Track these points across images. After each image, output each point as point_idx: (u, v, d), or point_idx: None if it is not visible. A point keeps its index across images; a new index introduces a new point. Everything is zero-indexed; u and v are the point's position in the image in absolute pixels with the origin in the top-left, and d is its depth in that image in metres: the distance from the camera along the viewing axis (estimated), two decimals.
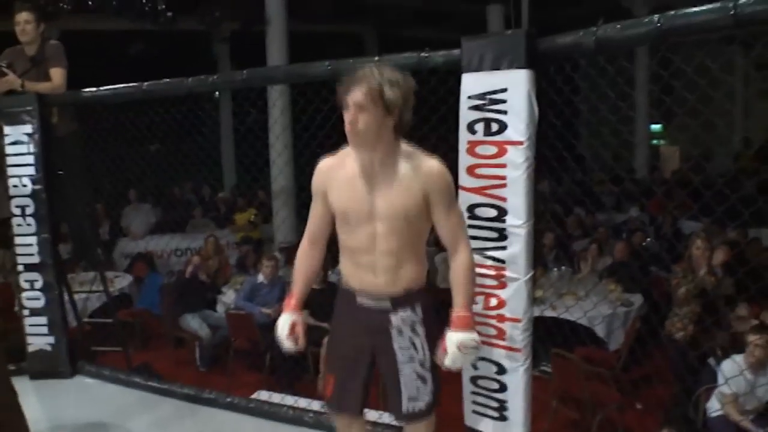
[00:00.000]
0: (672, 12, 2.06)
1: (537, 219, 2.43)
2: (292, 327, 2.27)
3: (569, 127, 3.18)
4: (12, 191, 4.02)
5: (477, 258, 2.37)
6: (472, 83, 2.42)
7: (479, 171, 2.41)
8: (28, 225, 4.02)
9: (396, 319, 2.19)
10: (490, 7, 11.36)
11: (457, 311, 2.12)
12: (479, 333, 2.47)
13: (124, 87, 3.83)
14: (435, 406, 2.25)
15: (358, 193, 2.14)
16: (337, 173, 2.19)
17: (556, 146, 2.79)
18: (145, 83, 3.72)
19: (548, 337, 4.35)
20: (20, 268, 4.12)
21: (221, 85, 5.99)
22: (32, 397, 3.76)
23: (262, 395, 3.98)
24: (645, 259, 6.92)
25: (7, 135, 4.03)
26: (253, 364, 5.93)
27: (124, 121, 5.01)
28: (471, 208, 2.45)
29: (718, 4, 1.95)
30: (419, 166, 2.08)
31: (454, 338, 2.08)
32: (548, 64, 2.47)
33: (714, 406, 4.05)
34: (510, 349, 2.47)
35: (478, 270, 2.39)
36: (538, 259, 6.78)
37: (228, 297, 6.57)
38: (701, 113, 3.22)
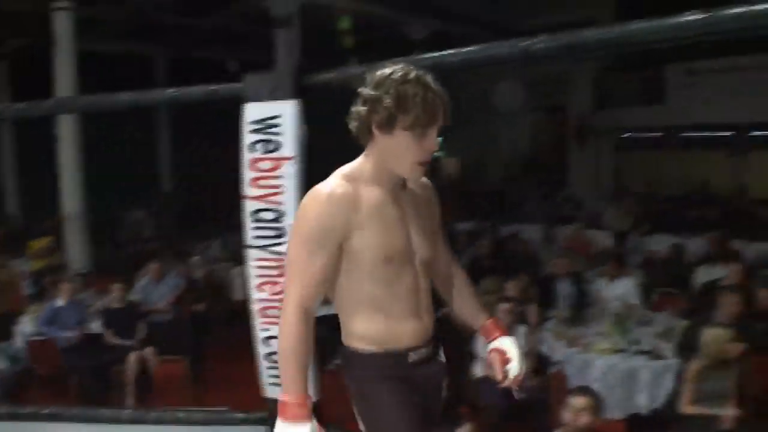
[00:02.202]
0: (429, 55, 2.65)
1: None
2: None
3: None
4: None
5: (262, 253, 2.93)
6: (253, 111, 2.97)
7: (261, 182, 2.97)
8: None
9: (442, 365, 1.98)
10: (277, 32, 11.99)
11: (486, 320, 2.04)
12: (267, 315, 3.04)
13: None
14: None
15: (396, 227, 1.83)
16: (360, 206, 1.79)
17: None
18: None
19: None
20: None
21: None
22: None
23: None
24: None
25: None
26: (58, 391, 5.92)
27: None
28: (255, 212, 2.99)
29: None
30: (427, 188, 1.98)
31: (508, 341, 1.98)
32: (318, 94, 3.09)
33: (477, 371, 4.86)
34: None
35: (264, 264, 2.95)
36: None
37: (26, 326, 6.52)
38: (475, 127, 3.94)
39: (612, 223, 10.26)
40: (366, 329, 1.86)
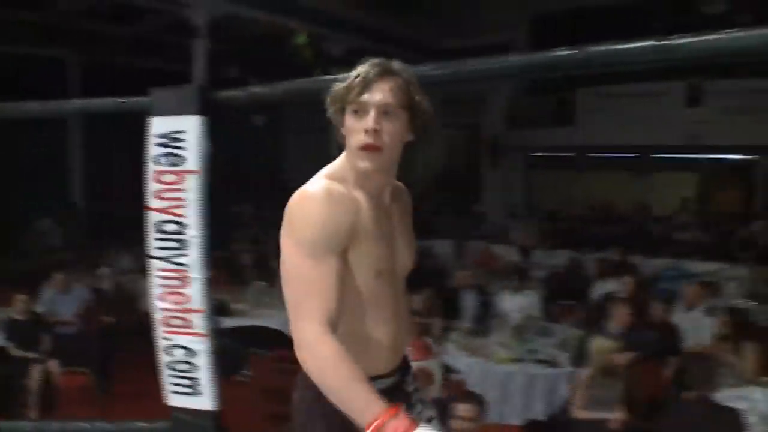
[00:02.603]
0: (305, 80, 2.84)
1: (236, 240, 3.09)
2: None
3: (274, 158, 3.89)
4: None
5: (165, 264, 2.99)
6: (159, 125, 3.03)
7: (164, 195, 3.02)
8: None
9: (412, 389, 1.81)
10: (195, 41, 11.99)
11: (416, 339, 1.85)
12: (169, 325, 3.09)
13: None
14: None
15: (386, 241, 1.65)
16: (360, 212, 1.59)
17: (259, 174, 3.48)
18: None
19: (249, 342, 5.06)
20: None
21: None
22: None
23: None
24: None
25: None
26: None
27: None
28: (158, 224, 3.05)
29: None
30: (408, 201, 1.83)
31: (434, 365, 1.88)
32: (224, 110, 3.18)
33: None
34: (197, 335, 3.10)
35: (167, 274, 3.01)
36: (237, 276, 7.55)
37: None
38: None
39: (518, 239, 10.74)
40: (353, 350, 1.48)
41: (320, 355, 1.41)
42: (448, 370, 5.21)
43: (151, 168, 3.05)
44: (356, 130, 1.56)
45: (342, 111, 1.58)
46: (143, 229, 3.09)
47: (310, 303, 1.47)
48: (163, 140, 3.02)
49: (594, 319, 5.96)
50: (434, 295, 6.13)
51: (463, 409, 3.54)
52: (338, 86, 1.58)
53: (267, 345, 5.45)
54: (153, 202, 3.05)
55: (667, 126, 11.95)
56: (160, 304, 3.08)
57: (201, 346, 3.11)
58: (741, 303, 7.04)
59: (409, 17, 13.83)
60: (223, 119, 3.10)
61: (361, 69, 1.57)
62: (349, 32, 12.28)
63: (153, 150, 3.05)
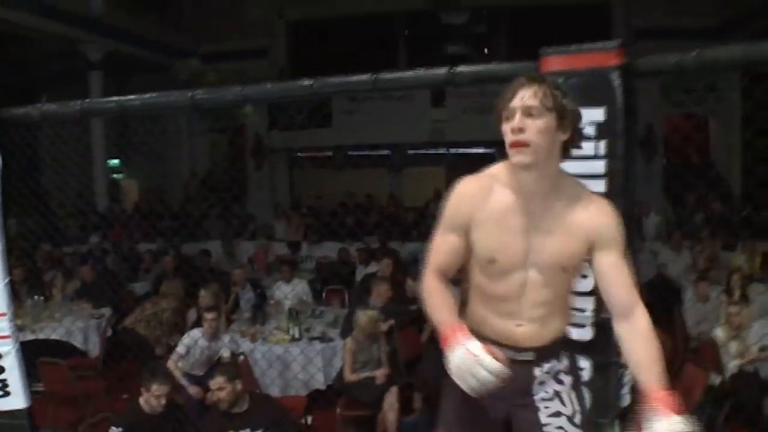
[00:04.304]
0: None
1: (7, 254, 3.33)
2: (489, 351, 1.70)
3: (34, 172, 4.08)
4: None
5: None
6: None
7: None
8: None
9: (539, 371, 1.97)
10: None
11: (657, 390, 1.72)
12: None
13: None
14: None
15: (512, 234, 1.87)
16: (486, 204, 1.89)
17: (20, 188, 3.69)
18: None
19: (36, 356, 5.13)
20: None
21: None
22: None
23: None
24: (108, 278, 8.09)
25: None
26: None
27: None
28: None
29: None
30: (586, 207, 1.86)
31: (664, 426, 1.64)
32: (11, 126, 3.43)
33: None
34: (2, 337, 3.34)
35: None
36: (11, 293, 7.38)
37: None
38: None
39: (285, 235, 11.49)
40: (472, 309, 2.00)
41: (425, 288, 1.92)
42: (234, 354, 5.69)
43: None
44: (507, 132, 1.80)
45: (501, 121, 1.84)
46: None
47: (430, 259, 1.95)
48: None
49: (359, 297, 6.77)
50: (218, 289, 6.56)
51: (215, 382, 3.98)
52: (499, 100, 1.85)
53: (54, 356, 5.53)
54: None
55: (415, 125, 13.32)
56: None
57: (7, 347, 3.36)
58: None
59: (167, 21, 13.94)
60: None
61: (512, 82, 1.85)
62: (108, 37, 12.19)
63: None
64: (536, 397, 1.97)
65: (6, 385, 3.40)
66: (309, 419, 5.21)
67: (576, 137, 1.83)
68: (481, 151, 13.78)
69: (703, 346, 5.35)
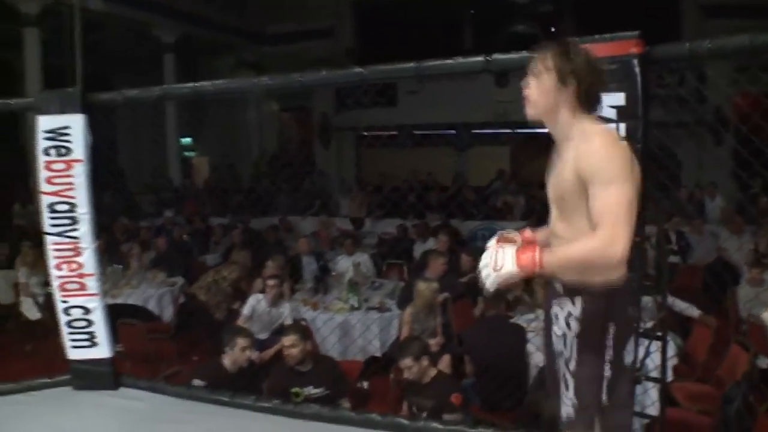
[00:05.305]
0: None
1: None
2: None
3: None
4: None
5: (59, 239, 3.62)
6: (46, 122, 3.64)
7: (55, 180, 3.64)
8: None
9: (557, 303, 2.08)
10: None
11: (536, 242, 2.15)
12: (66, 289, 3.70)
13: None
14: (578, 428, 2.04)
15: (553, 172, 2.10)
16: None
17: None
18: None
19: (115, 319, 5.59)
20: None
21: None
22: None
23: None
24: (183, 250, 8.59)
25: None
26: None
27: None
28: (51, 206, 3.66)
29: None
30: (579, 144, 1.97)
31: (504, 248, 2.00)
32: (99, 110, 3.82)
33: None
34: (91, 295, 3.75)
35: (61, 246, 3.63)
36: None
37: None
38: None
39: (350, 211, 11.84)
40: None
41: (604, 257, 1.87)
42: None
43: (41, 159, 3.65)
44: None
45: None
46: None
47: (625, 229, 1.88)
48: (51, 135, 3.63)
49: (416, 271, 7.03)
50: (284, 261, 6.93)
51: (287, 340, 4.24)
52: None
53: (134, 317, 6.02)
54: (45, 187, 3.65)
55: (479, 105, 13.43)
56: (56, 273, 3.70)
57: (95, 303, 3.77)
58: None
59: (234, 3, 14.39)
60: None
61: None
62: (180, 20, 12.71)
63: (42, 143, 3.65)
64: (554, 329, 2.09)
65: (94, 336, 3.82)
66: (365, 384, 5.52)
67: (582, 96, 1.99)
68: (545, 130, 13.73)
69: (752, 329, 5.39)
